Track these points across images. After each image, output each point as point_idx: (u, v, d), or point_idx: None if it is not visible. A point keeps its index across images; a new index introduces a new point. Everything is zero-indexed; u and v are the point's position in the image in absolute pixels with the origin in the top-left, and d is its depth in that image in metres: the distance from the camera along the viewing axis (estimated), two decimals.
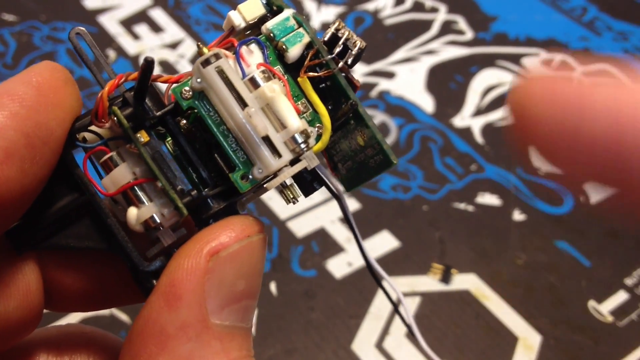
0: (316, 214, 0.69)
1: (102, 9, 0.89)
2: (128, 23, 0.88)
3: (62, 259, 0.30)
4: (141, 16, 0.89)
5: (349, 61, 0.29)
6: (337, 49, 0.28)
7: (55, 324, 0.33)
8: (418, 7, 0.93)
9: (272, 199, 0.70)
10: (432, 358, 0.33)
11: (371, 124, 0.29)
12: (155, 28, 0.88)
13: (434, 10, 0.93)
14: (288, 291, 0.63)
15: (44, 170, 0.27)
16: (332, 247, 0.66)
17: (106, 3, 0.90)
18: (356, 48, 0.29)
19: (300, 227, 0.68)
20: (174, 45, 0.86)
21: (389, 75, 0.84)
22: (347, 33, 0.29)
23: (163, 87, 0.29)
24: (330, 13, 0.91)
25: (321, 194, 0.70)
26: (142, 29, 0.87)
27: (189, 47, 0.85)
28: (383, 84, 0.83)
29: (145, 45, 0.85)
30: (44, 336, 0.32)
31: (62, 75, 0.28)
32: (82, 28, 0.29)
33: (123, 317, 0.59)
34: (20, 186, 0.26)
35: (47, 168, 0.27)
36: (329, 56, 0.28)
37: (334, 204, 0.70)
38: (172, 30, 0.88)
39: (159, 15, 0.89)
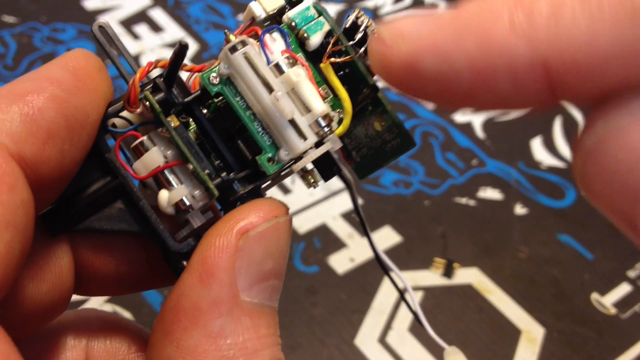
0: (317, 210, 0.69)
1: (102, 10, 0.89)
2: (128, 23, 0.88)
3: (93, 242, 0.31)
4: (141, 16, 0.89)
5: None
6: (358, 36, 0.29)
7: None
8: (418, 3, 0.93)
9: (273, 195, 0.70)
10: (440, 344, 0.33)
11: (390, 108, 0.29)
12: (155, 28, 0.88)
13: (433, 6, 0.93)
14: (290, 287, 0.63)
15: (81, 153, 0.27)
16: (334, 243, 0.66)
17: (106, 4, 0.90)
18: None
19: (302, 224, 0.68)
20: (174, 45, 0.86)
21: None
22: (366, 21, 0.30)
23: (184, 76, 0.30)
24: (330, 10, 0.91)
25: (322, 190, 0.70)
26: (142, 29, 0.88)
27: (189, 46, 0.85)
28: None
29: (146, 45, 0.85)
30: (61, 320, 0.32)
31: (96, 62, 0.29)
32: (105, 21, 0.30)
33: (126, 315, 0.59)
34: (60, 167, 0.26)
35: (84, 151, 0.28)
36: (350, 43, 0.29)
37: (335, 200, 0.70)
38: (172, 30, 0.88)
39: (158, 15, 0.89)
